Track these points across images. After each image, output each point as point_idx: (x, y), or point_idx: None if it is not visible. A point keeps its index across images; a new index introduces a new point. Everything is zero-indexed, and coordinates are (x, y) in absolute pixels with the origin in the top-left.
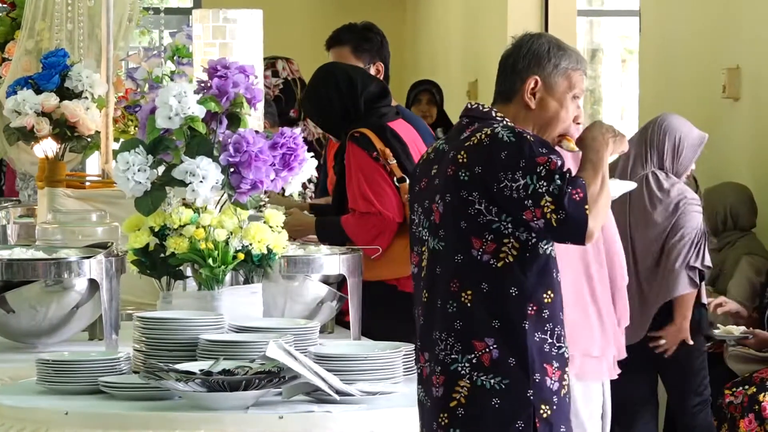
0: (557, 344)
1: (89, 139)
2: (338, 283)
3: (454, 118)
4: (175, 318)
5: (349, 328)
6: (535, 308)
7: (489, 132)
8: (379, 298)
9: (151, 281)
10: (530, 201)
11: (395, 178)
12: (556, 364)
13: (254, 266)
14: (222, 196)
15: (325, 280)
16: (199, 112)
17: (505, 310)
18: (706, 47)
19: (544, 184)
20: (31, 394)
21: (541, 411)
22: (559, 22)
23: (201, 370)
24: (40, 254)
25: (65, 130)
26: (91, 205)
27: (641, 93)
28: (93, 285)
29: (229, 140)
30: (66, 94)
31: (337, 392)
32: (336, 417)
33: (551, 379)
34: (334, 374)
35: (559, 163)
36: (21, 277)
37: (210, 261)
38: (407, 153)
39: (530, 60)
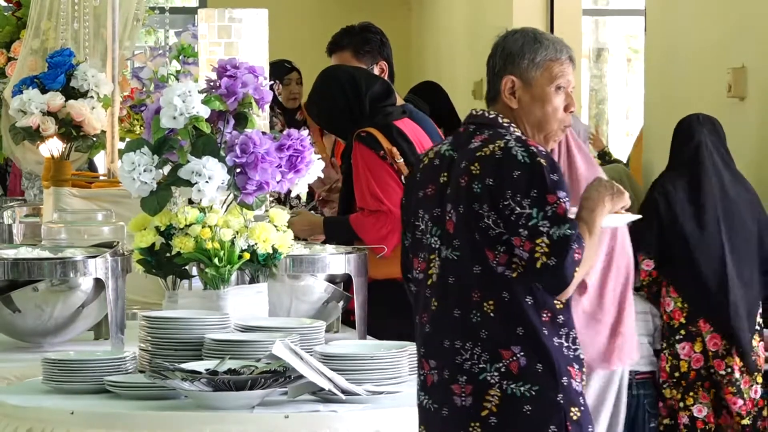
0: (573, 347)
1: (95, 139)
2: (344, 283)
3: (462, 118)
4: (180, 317)
5: (354, 328)
6: (549, 315)
7: (502, 145)
8: (388, 297)
9: (156, 280)
10: (526, 231)
11: (403, 177)
12: (576, 366)
13: (260, 266)
14: (228, 196)
15: (331, 280)
16: (204, 111)
17: (525, 318)
18: (711, 47)
19: (547, 224)
20: (36, 393)
21: (571, 413)
22: (564, 22)
23: (207, 370)
24: (46, 254)
25: (71, 130)
26: (97, 204)
27: (647, 92)
28: (99, 284)
29: (236, 141)
30: (71, 93)
31: (343, 392)
32: (341, 416)
33: (576, 381)
34: (340, 374)
35: (567, 206)
36: (27, 276)
37: (216, 260)
38: (414, 151)
39: (505, 59)
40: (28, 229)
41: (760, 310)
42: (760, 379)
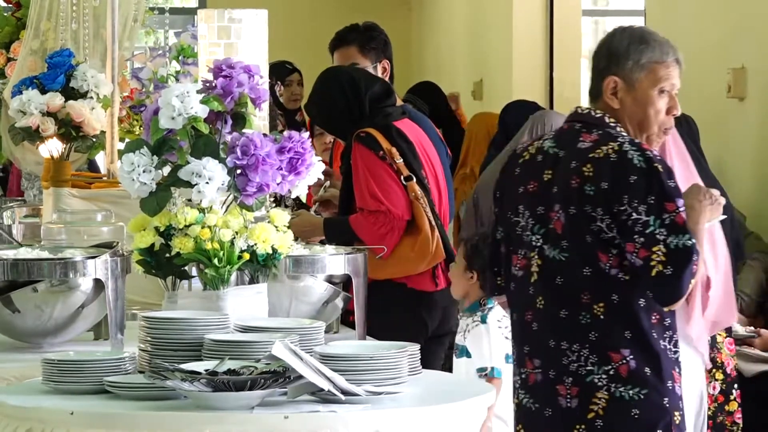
0: (674, 350)
1: (94, 139)
2: (344, 283)
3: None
4: (180, 318)
5: (354, 328)
6: (657, 317)
7: (617, 148)
8: (387, 297)
9: (156, 281)
10: (642, 239)
11: (402, 177)
12: (677, 370)
13: (259, 266)
14: (228, 197)
15: (331, 280)
16: (202, 112)
17: (636, 320)
18: (711, 47)
19: (665, 232)
20: (36, 393)
21: (675, 418)
22: (564, 22)
23: (206, 370)
24: (46, 254)
25: (70, 130)
26: (97, 204)
27: None
28: (98, 285)
29: (237, 143)
30: (71, 93)
31: (343, 392)
32: (341, 417)
33: (677, 385)
34: (339, 374)
35: (684, 216)
36: (26, 276)
37: (215, 261)
38: (413, 152)
39: (609, 59)
40: (27, 229)
41: None
42: (720, 375)
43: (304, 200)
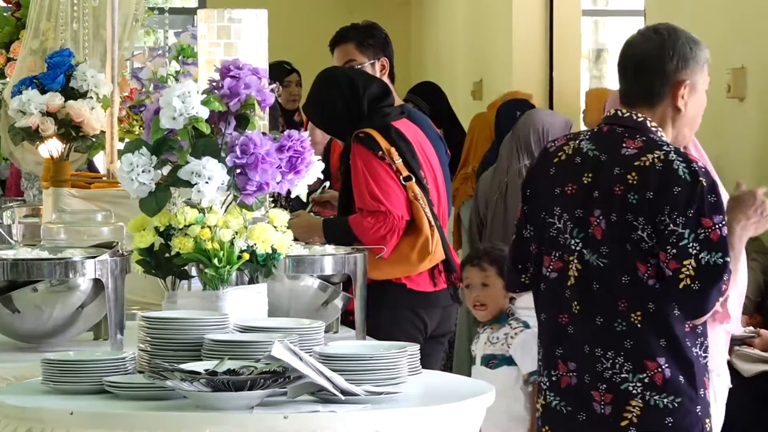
0: (704, 355)
1: (94, 139)
2: (343, 283)
3: (461, 117)
4: (179, 318)
5: (353, 328)
6: (691, 325)
7: (662, 157)
8: (387, 298)
9: (156, 281)
10: (674, 250)
11: (401, 177)
12: (707, 376)
13: (259, 266)
14: (228, 196)
15: (330, 280)
16: (203, 112)
17: (670, 329)
18: (711, 47)
19: (698, 247)
20: (35, 394)
21: (706, 425)
22: (563, 22)
23: (206, 370)
24: (45, 254)
25: (70, 130)
26: (96, 204)
27: None
28: (98, 285)
29: (237, 142)
30: (71, 93)
31: (342, 392)
32: (341, 417)
33: (708, 392)
34: (339, 374)
35: (722, 232)
36: (26, 276)
37: (215, 261)
38: (412, 152)
39: (678, 61)
40: (27, 229)
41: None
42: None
43: (305, 199)
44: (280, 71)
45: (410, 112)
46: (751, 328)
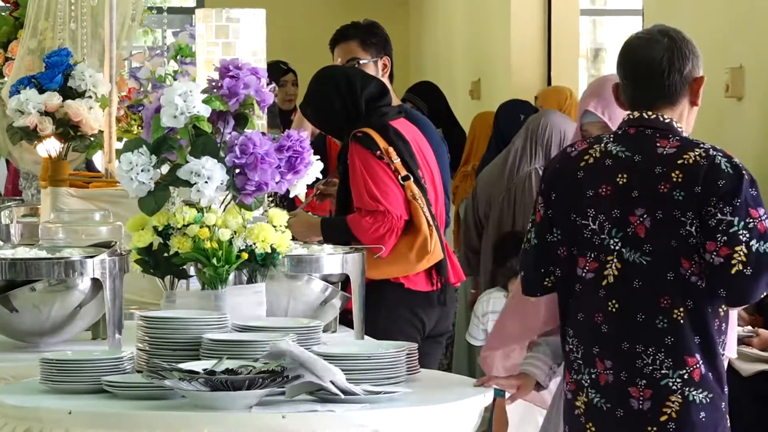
0: (723, 353)
1: (92, 139)
2: (342, 283)
3: (460, 117)
4: (178, 317)
5: (352, 328)
6: (718, 323)
7: (704, 154)
8: (385, 297)
9: (154, 280)
10: (725, 237)
11: (399, 177)
12: (725, 372)
13: (258, 266)
14: (226, 196)
15: (329, 280)
16: (205, 111)
17: (705, 326)
18: (709, 47)
19: (748, 235)
20: (34, 393)
21: (727, 421)
22: (561, 22)
23: (204, 370)
24: (44, 253)
25: (68, 130)
26: (95, 204)
27: None
28: (96, 284)
29: (236, 142)
30: (69, 93)
31: (341, 391)
32: (339, 416)
33: (727, 388)
34: None
35: (766, 225)
36: (24, 276)
37: (214, 260)
38: (410, 151)
39: (693, 59)
40: (25, 229)
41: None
42: None
43: (303, 199)
44: (276, 71)
45: (408, 111)
46: (750, 327)
